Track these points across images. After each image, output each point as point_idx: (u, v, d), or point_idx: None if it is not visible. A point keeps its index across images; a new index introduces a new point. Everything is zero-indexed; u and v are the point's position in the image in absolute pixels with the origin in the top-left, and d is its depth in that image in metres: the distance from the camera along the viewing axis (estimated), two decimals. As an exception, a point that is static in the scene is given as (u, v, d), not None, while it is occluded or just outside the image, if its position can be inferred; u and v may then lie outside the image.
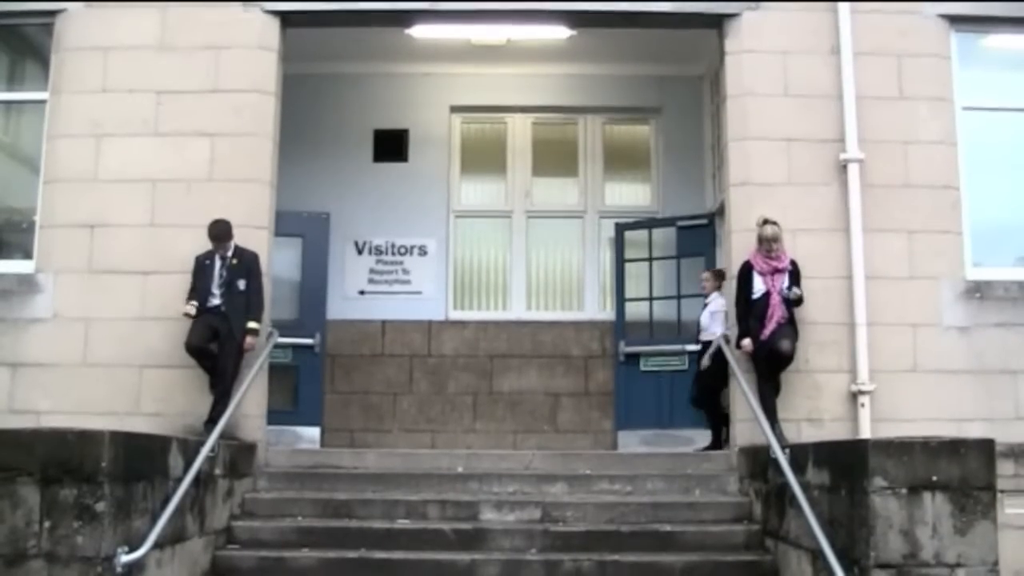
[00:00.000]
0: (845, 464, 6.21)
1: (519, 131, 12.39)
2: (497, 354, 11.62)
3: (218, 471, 7.48)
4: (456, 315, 11.92)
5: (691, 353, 10.65)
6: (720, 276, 9.58)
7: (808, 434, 8.18)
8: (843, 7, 8.79)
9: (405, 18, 9.46)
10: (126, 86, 8.79)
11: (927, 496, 5.79)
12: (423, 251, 11.87)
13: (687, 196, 11.79)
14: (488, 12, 9.27)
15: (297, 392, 10.75)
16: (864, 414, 8.31)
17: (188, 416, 8.22)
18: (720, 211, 10.09)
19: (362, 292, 11.75)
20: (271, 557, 7.23)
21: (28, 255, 8.78)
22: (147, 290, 8.50)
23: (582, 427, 11.36)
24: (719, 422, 9.46)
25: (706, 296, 9.97)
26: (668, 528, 7.57)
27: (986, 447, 5.95)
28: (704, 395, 9.50)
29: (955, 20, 8.98)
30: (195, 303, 8.20)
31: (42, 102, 8.94)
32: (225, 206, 8.45)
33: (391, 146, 12.09)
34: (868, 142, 8.67)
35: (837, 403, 8.41)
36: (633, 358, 11.14)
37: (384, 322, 11.65)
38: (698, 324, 9.96)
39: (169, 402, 8.34)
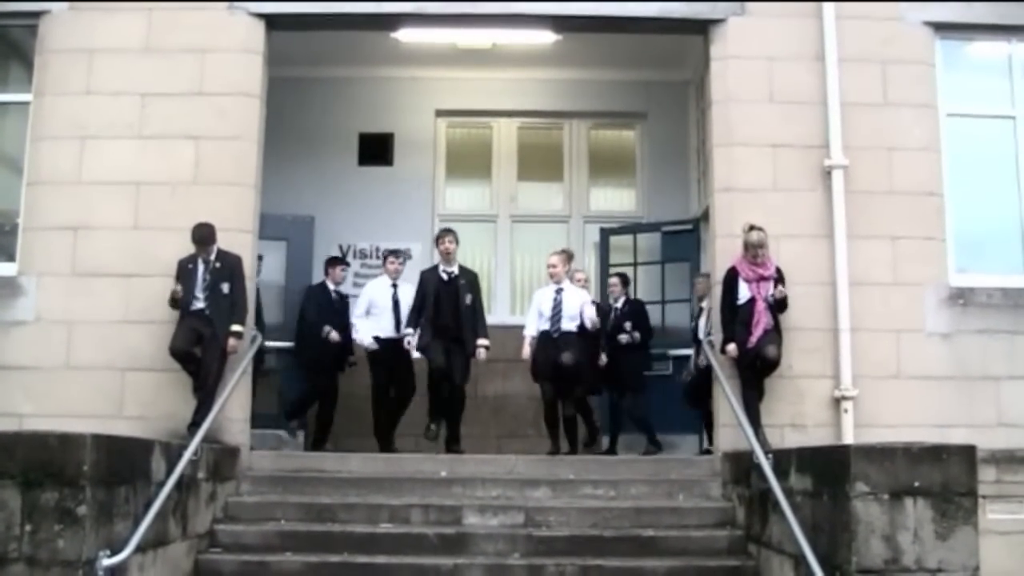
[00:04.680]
0: (827, 470, 6.22)
1: (504, 135, 12.42)
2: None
3: (201, 475, 7.44)
4: (441, 319, 11.89)
5: (675, 358, 10.68)
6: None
7: (791, 439, 8.19)
8: (828, 14, 8.80)
9: (390, 21, 9.44)
10: (110, 88, 8.75)
11: (909, 502, 5.80)
12: (408, 255, 11.82)
13: (672, 201, 11.84)
14: (474, 16, 9.25)
15: (281, 396, 10.73)
16: (847, 420, 8.33)
17: (171, 420, 8.18)
18: (705, 216, 10.11)
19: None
20: (254, 561, 7.21)
21: (11, 257, 8.73)
22: (130, 293, 8.46)
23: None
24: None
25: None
26: (651, 533, 7.56)
27: (968, 453, 5.96)
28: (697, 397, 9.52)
29: (939, 27, 9.01)
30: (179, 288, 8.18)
31: (25, 104, 8.89)
32: (209, 209, 8.42)
33: (376, 150, 12.10)
34: (852, 148, 8.68)
35: (820, 409, 8.42)
36: (618, 362, 11.09)
37: (369, 326, 11.58)
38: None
39: (152, 405, 8.30)
